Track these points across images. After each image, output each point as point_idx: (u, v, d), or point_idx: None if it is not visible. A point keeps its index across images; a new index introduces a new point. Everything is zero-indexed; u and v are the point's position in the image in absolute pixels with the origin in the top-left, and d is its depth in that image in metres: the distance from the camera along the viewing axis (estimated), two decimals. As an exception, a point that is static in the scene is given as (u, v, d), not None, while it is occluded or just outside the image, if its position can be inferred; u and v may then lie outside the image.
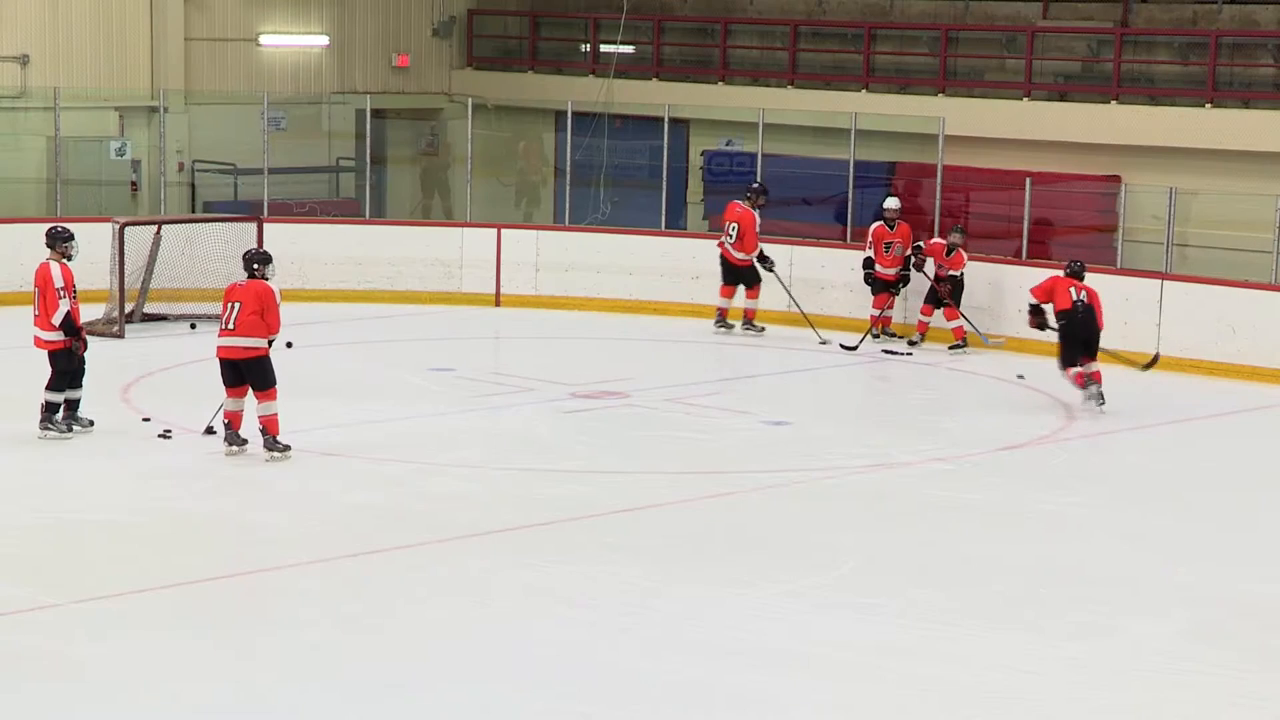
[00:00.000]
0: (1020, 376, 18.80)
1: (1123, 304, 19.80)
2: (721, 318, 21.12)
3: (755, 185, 21.44)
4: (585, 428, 16.20)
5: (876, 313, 20.79)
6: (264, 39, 27.01)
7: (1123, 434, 16.65)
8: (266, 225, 21.67)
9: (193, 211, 25.25)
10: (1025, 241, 20.88)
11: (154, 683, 9.61)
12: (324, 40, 27.68)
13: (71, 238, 15.27)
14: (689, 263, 22.33)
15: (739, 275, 21.04)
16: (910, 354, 20.16)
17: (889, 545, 12.60)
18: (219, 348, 14.60)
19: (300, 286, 22.40)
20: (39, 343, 15.02)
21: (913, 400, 18.69)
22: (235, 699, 9.40)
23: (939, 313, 20.44)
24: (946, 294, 20.18)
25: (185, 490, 13.57)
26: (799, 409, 17.49)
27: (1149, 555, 12.60)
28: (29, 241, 21.70)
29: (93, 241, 20.59)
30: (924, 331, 20.57)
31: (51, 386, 15.01)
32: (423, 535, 12.45)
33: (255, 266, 14.76)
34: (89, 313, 20.25)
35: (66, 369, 14.99)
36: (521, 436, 15.79)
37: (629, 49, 27.76)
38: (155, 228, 21.18)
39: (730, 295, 21.13)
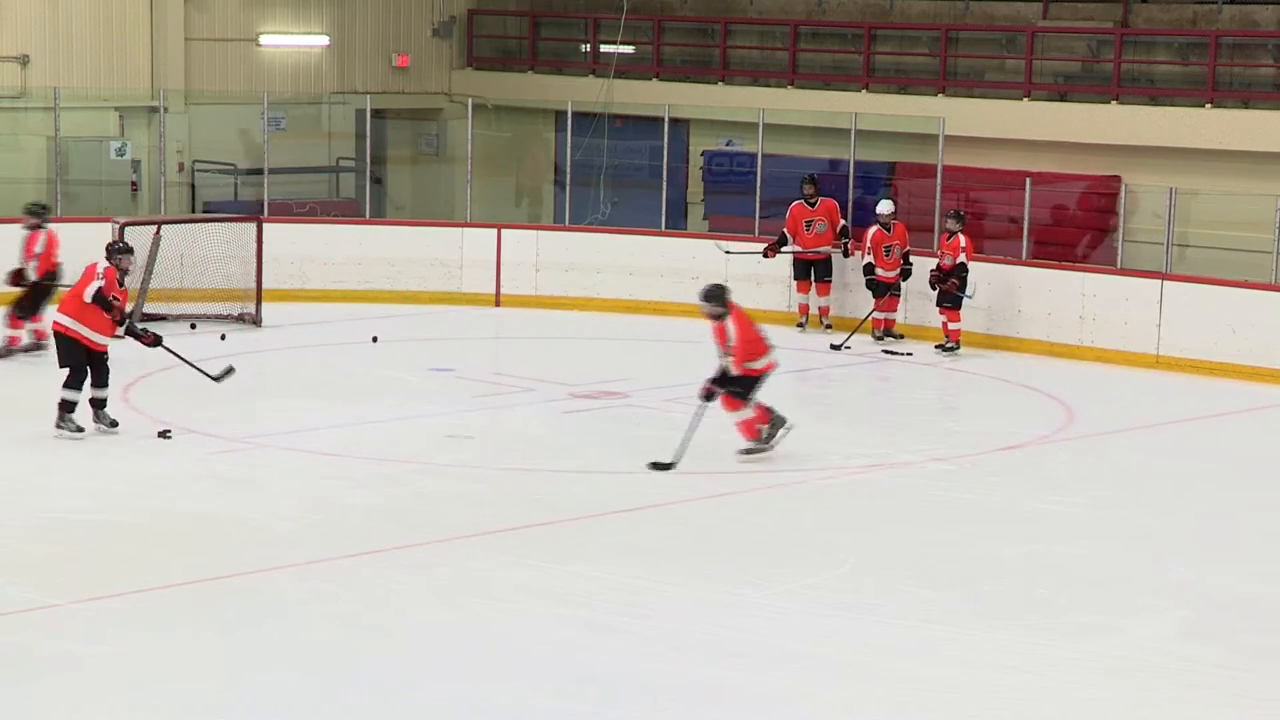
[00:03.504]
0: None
1: (1123, 304, 19.84)
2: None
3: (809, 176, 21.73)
4: (585, 428, 16.21)
5: (880, 316, 20.79)
6: (264, 39, 27.02)
7: (1123, 434, 16.66)
8: (266, 225, 21.68)
9: (193, 211, 25.26)
10: (1025, 241, 20.88)
11: (154, 683, 9.61)
12: (324, 40, 27.68)
13: (131, 251, 15.60)
14: (689, 263, 22.33)
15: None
16: (910, 354, 20.15)
17: (889, 545, 12.60)
18: (766, 366, 14.71)
19: (300, 286, 22.44)
20: (55, 326, 15.08)
21: (913, 400, 18.68)
22: (235, 699, 9.40)
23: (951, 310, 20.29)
24: (954, 288, 20.06)
25: (185, 490, 13.58)
26: (799, 409, 17.49)
27: (1148, 555, 12.60)
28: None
29: (93, 241, 20.61)
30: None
31: (69, 384, 14.94)
32: (423, 535, 12.45)
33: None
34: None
35: (67, 364, 14.93)
36: (521, 436, 15.80)
37: (629, 49, 27.76)
38: (155, 228, 21.17)
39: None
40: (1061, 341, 20.16)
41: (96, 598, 10.95)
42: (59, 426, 14.93)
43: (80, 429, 14.94)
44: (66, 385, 14.97)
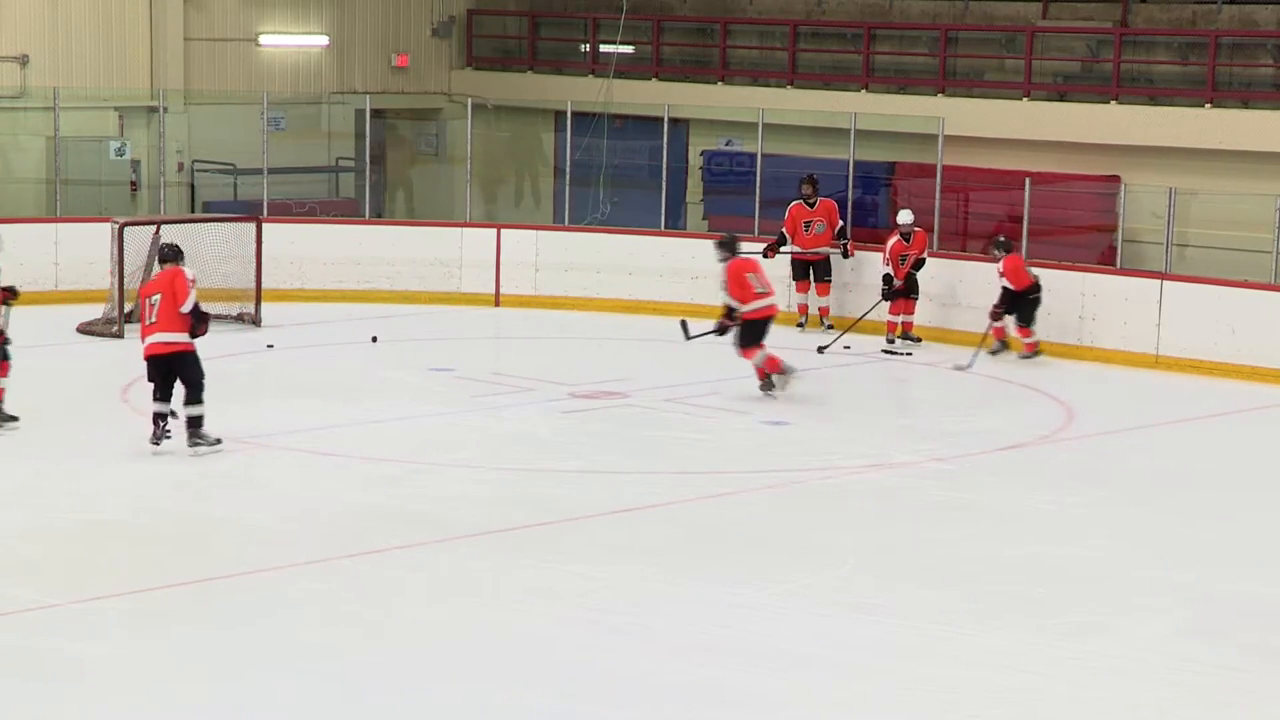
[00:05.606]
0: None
1: (1123, 304, 19.84)
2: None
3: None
4: (585, 428, 16.20)
5: (895, 319, 20.64)
6: (264, 39, 27.01)
7: (1123, 434, 16.66)
8: (266, 225, 21.68)
9: (192, 211, 25.25)
10: (1025, 241, 20.87)
11: (154, 683, 9.61)
12: (324, 40, 27.68)
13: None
14: (688, 262, 22.31)
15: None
16: (910, 354, 20.15)
17: (889, 545, 12.60)
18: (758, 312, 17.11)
19: (300, 286, 22.44)
20: (157, 348, 14.33)
21: (913, 400, 18.68)
22: (235, 699, 9.40)
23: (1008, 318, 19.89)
24: (999, 314, 19.62)
25: (185, 490, 13.58)
26: (799, 409, 17.49)
27: (1149, 555, 12.60)
28: (29, 242, 21.78)
29: (93, 241, 20.64)
30: (1003, 338, 19.83)
31: (191, 400, 14.39)
32: (423, 535, 12.45)
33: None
34: (89, 313, 20.31)
35: (196, 379, 14.39)
36: (521, 436, 15.79)
37: (628, 49, 27.76)
38: (154, 227, 21.16)
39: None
40: (1061, 341, 20.14)
41: (96, 598, 10.95)
42: (194, 443, 14.39)
43: (219, 440, 14.48)
44: (190, 401, 14.41)
